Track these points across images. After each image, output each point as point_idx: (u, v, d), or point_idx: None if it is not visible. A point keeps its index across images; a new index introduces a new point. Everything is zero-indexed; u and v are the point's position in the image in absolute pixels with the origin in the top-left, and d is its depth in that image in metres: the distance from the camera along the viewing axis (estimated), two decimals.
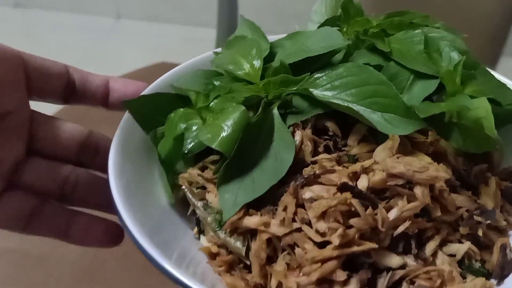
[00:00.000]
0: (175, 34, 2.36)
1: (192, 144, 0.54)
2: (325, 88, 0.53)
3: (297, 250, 0.45)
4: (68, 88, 0.54)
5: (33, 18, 2.57)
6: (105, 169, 0.52)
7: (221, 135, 0.49)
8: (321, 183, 0.48)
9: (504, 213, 0.51)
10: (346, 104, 0.51)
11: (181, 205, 0.54)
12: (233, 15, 1.46)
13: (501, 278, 0.47)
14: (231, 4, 1.48)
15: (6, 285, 0.67)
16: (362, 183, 0.47)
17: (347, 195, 0.45)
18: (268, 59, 0.58)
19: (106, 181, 0.50)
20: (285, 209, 0.47)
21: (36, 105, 0.53)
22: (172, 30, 2.41)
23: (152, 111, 0.57)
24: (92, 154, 0.55)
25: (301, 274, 0.44)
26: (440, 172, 0.46)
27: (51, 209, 0.52)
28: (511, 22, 1.28)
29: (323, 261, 0.44)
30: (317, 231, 0.45)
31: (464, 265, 0.47)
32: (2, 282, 0.68)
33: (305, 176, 0.48)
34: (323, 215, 0.45)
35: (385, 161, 0.47)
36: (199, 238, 0.53)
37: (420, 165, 0.46)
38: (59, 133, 0.53)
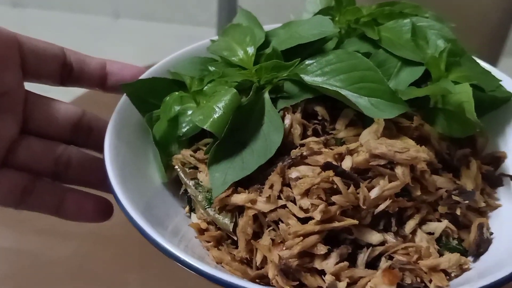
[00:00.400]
0: (174, 34, 2.36)
1: (187, 127, 0.57)
2: (315, 74, 0.54)
3: (281, 225, 0.47)
4: (65, 70, 0.55)
5: (31, 17, 2.57)
6: (98, 148, 0.54)
7: (213, 117, 0.51)
8: (307, 164, 0.50)
9: (484, 195, 0.53)
10: (334, 89, 0.52)
11: (174, 185, 0.56)
12: (233, 14, 1.48)
13: (477, 255, 0.48)
14: (230, 2, 1.50)
15: (2, 283, 0.68)
16: (346, 164, 0.49)
17: (330, 173, 0.47)
18: (263, 47, 0.60)
19: (101, 161, 0.52)
20: (271, 187, 0.49)
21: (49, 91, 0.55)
22: (170, 29, 2.41)
23: (149, 94, 0.59)
24: (86, 133, 0.57)
25: (284, 248, 0.46)
26: (420, 153, 0.47)
27: (44, 186, 0.55)
28: (511, 22, 1.29)
29: (305, 235, 0.46)
30: (300, 208, 0.47)
31: (442, 242, 0.49)
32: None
33: (292, 157, 0.50)
34: (306, 193, 0.47)
35: (368, 142, 0.49)
36: (190, 216, 0.55)
37: (401, 146, 0.48)
38: (53, 113, 0.55)
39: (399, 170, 0.47)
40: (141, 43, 2.37)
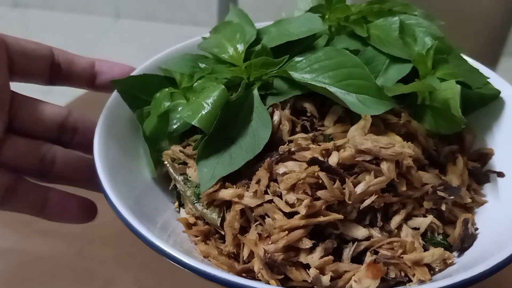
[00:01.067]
0: (174, 34, 2.36)
1: (178, 124, 0.57)
2: (304, 71, 0.55)
3: (267, 220, 0.48)
4: (54, 70, 0.56)
5: (32, 17, 2.57)
6: (83, 148, 0.54)
7: (201, 113, 0.52)
8: (295, 160, 0.50)
9: (471, 191, 0.53)
10: (322, 85, 0.53)
11: (164, 180, 0.57)
12: None
13: (461, 251, 0.49)
14: (230, 2, 1.51)
15: (5, 284, 0.68)
16: (333, 159, 0.49)
17: (315, 168, 0.47)
18: (255, 44, 0.61)
19: (87, 159, 0.52)
20: (258, 182, 0.49)
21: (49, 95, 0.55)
22: (171, 29, 2.42)
23: (140, 91, 0.59)
24: (71, 133, 0.57)
25: (270, 242, 0.47)
26: (405, 149, 0.48)
27: (27, 186, 0.54)
28: (511, 22, 1.29)
29: (291, 229, 0.46)
30: (286, 202, 0.47)
31: (427, 238, 0.49)
32: (1, 282, 0.68)
33: (280, 153, 0.50)
34: (292, 188, 0.47)
35: (354, 138, 0.49)
36: (179, 211, 0.55)
37: (386, 141, 0.48)
38: (39, 113, 0.55)
39: (384, 166, 0.48)
40: (142, 44, 2.37)
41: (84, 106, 0.91)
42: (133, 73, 0.60)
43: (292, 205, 0.47)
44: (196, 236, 0.52)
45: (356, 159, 0.49)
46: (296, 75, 0.54)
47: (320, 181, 0.47)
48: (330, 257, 0.45)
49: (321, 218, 0.46)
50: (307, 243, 0.46)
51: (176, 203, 0.55)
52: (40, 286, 0.69)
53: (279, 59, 0.55)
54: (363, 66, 0.53)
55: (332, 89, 0.53)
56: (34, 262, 0.71)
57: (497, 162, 0.55)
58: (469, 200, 0.51)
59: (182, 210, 0.55)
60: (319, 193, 0.46)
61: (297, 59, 0.55)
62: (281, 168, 0.49)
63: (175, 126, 0.57)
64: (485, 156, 0.56)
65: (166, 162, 0.55)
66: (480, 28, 1.27)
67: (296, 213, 0.47)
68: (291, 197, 0.47)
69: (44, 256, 0.72)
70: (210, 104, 0.52)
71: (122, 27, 2.56)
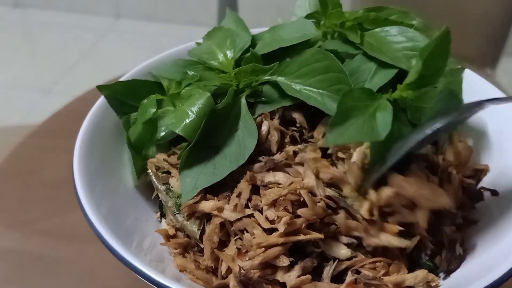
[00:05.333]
0: (175, 34, 2.37)
1: (166, 131, 0.56)
2: (294, 75, 0.53)
3: (245, 235, 0.46)
4: None
5: (32, 18, 2.55)
6: None
7: (185, 121, 0.50)
8: (286, 172, 0.49)
9: (463, 210, 0.51)
10: (313, 95, 0.51)
11: (148, 188, 0.55)
12: None
13: (447, 273, 0.47)
14: (231, 3, 1.50)
15: (5, 284, 0.68)
16: None
17: (296, 185, 0.45)
18: (249, 50, 0.59)
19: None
20: (239, 195, 0.48)
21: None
22: (171, 29, 2.41)
23: (128, 96, 0.58)
24: None
25: (246, 258, 0.45)
26: None
27: None
28: (511, 22, 1.28)
29: (268, 246, 0.44)
30: (266, 218, 0.46)
31: (413, 258, 0.47)
32: (1, 282, 0.68)
33: (275, 161, 0.48)
34: (274, 203, 0.46)
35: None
36: (161, 221, 0.54)
37: None
38: None
39: None
40: (142, 44, 2.37)
41: (84, 106, 0.90)
42: (122, 78, 0.59)
43: (272, 221, 0.45)
44: (175, 249, 0.50)
45: None
46: (285, 81, 0.52)
47: (302, 199, 0.45)
48: (308, 276, 0.44)
49: (301, 237, 0.44)
50: (284, 261, 0.44)
51: (159, 213, 0.54)
52: (40, 286, 0.68)
53: (268, 66, 0.53)
54: (342, 69, 0.51)
55: (320, 95, 0.51)
56: (34, 262, 0.71)
57: (491, 179, 0.53)
58: (461, 221, 0.49)
59: (163, 220, 0.53)
60: (300, 211, 0.45)
61: (286, 62, 0.53)
62: (269, 177, 0.48)
63: (162, 134, 0.56)
64: (480, 173, 0.53)
65: (149, 171, 0.54)
66: (480, 28, 1.26)
67: (276, 229, 0.45)
68: (271, 213, 0.45)
69: (46, 257, 0.71)
70: (194, 112, 0.51)
71: (122, 27, 2.55)
